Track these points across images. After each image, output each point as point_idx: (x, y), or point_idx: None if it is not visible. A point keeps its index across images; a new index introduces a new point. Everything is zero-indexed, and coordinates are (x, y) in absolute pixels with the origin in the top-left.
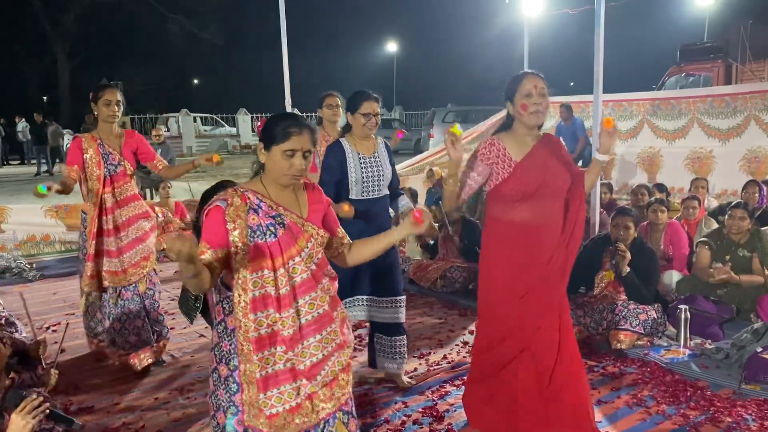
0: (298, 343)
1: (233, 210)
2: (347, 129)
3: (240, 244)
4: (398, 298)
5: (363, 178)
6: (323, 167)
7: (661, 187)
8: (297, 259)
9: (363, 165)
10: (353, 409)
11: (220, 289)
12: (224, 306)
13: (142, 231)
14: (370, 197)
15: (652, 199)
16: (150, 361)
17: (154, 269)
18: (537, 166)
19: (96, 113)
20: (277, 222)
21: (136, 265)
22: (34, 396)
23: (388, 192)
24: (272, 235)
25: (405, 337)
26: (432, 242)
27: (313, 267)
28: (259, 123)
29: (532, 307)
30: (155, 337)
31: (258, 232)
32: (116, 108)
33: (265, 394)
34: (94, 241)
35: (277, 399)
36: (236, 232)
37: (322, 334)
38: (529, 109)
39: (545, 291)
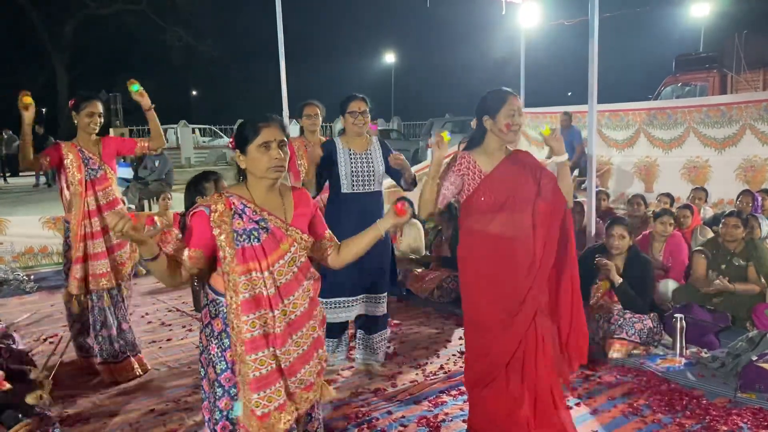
0: (285, 342)
1: (218, 216)
2: (343, 131)
3: (227, 248)
4: (381, 294)
5: (352, 171)
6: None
7: (668, 196)
8: (281, 262)
9: (353, 160)
10: (318, 412)
11: (207, 292)
12: (210, 309)
13: None
14: (360, 191)
15: (660, 209)
16: (140, 372)
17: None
18: (506, 177)
19: (76, 122)
20: (261, 227)
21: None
22: (28, 421)
23: (380, 189)
24: (256, 240)
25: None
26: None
27: (296, 270)
28: (230, 140)
29: (509, 314)
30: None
31: (243, 236)
32: (98, 119)
33: (258, 395)
34: (82, 244)
35: (268, 399)
36: (222, 237)
37: (302, 330)
38: (513, 128)
39: (521, 299)
